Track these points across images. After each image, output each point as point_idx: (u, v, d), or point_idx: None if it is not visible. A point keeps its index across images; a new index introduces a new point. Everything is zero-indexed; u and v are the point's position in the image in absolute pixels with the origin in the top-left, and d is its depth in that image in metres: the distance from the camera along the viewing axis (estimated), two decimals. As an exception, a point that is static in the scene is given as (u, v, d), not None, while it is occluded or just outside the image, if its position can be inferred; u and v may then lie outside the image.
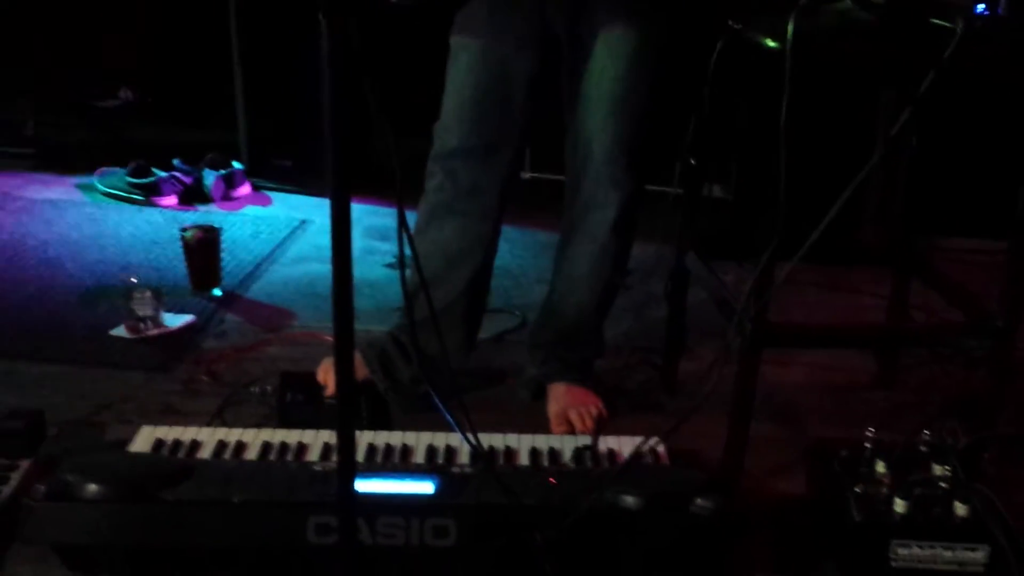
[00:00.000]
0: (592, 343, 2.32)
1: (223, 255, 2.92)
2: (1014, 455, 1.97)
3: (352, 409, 1.40)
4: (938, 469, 1.79)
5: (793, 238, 1.82)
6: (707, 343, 2.39)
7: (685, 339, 2.38)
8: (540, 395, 2.28)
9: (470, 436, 1.61)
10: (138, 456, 1.82)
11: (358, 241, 2.90)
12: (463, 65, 2.10)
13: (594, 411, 2.21)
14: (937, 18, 1.82)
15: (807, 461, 1.95)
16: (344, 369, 1.38)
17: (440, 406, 1.55)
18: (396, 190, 1.50)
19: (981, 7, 1.86)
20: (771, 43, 1.81)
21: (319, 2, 1.33)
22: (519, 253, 3.14)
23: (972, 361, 2.30)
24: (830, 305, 2.86)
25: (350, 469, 1.39)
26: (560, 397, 2.23)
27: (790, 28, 1.74)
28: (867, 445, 1.83)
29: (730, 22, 1.98)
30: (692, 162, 2.18)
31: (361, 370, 2.24)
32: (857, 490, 1.76)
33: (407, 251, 1.48)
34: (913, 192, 2.33)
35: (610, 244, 2.17)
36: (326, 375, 2.17)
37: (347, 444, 1.39)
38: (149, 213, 3.39)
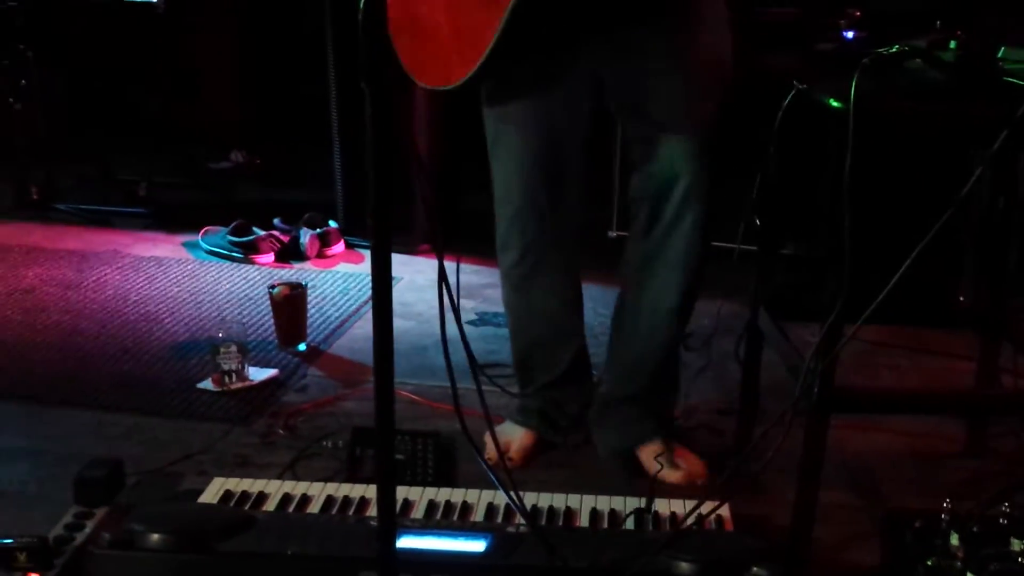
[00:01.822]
0: (675, 382, 2.28)
1: (311, 311, 3.01)
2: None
3: (392, 465, 1.42)
4: (1016, 544, 1.70)
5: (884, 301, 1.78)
6: (784, 405, 2.34)
7: (758, 401, 2.33)
8: (629, 462, 2.22)
9: (514, 495, 1.60)
10: (204, 507, 1.88)
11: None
12: (511, 140, 2.12)
13: (699, 467, 2.19)
14: (1012, 76, 1.77)
15: (881, 531, 1.88)
16: (384, 423, 1.41)
17: (486, 467, 1.55)
18: (437, 246, 1.54)
19: (1060, 63, 1.80)
20: (835, 103, 1.79)
21: (360, 73, 1.40)
22: (601, 311, 3.13)
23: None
24: (923, 369, 2.77)
25: (390, 525, 1.41)
26: (663, 455, 2.18)
27: (852, 88, 1.72)
28: (943, 516, 1.76)
29: (795, 82, 1.96)
30: (757, 221, 2.16)
31: (527, 436, 2.31)
32: (929, 563, 1.70)
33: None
34: (1002, 253, 2.25)
35: (698, 270, 2.13)
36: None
37: (388, 500, 1.41)
38: (246, 270, 3.51)
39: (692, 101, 2.03)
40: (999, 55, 1.81)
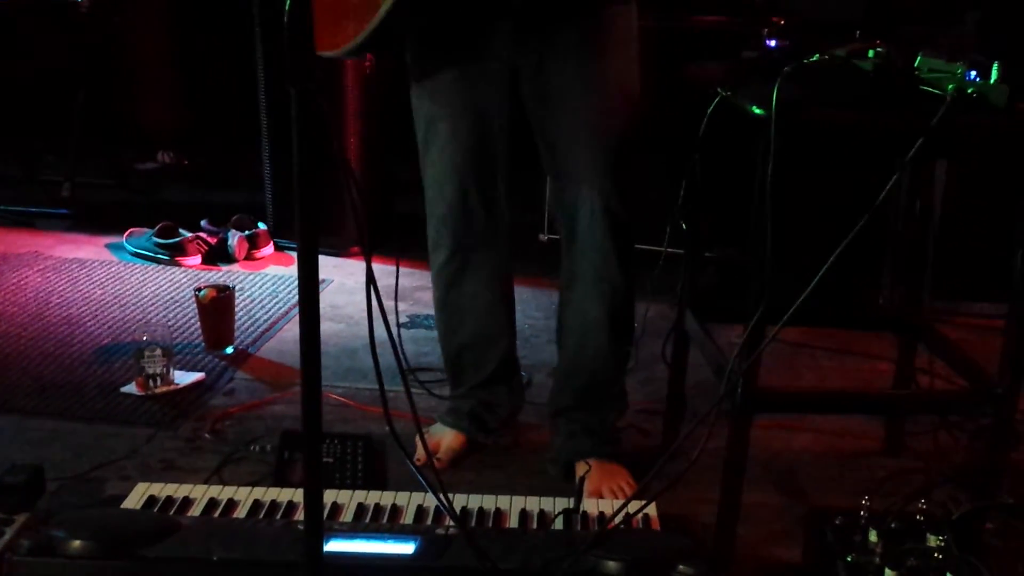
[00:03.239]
0: (615, 399, 2.27)
1: (239, 314, 2.98)
2: (1017, 526, 1.92)
3: (320, 468, 1.41)
4: (932, 540, 1.75)
5: (807, 303, 1.82)
6: (710, 405, 2.37)
7: (685, 401, 2.36)
8: (570, 473, 2.22)
9: (443, 497, 1.61)
10: (126, 513, 1.85)
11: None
12: (441, 139, 2.13)
13: (626, 487, 2.16)
14: (927, 85, 1.83)
15: (803, 529, 1.93)
16: (312, 426, 1.40)
17: (414, 470, 1.55)
18: (366, 248, 1.54)
19: (973, 74, 1.86)
20: (757, 110, 1.83)
21: (286, 76, 1.39)
22: (531, 313, 3.16)
23: (980, 429, 2.26)
24: (843, 370, 2.84)
25: (317, 529, 1.40)
26: (591, 476, 2.17)
27: (775, 95, 1.76)
28: (863, 513, 1.81)
29: (719, 88, 1.99)
30: (683, 226, 2.19)
31: (456, 438, 2.32)
32: (848, 559, 1.74)
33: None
34: (919, 258, 2.31)
35: (617, 281, 2.12)
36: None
37: (315, 504, 1.40)
38: (172, 273, 3.46)
39: (597, 124, 2.04)
40: (916, 64, 1.86)
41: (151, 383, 2.55)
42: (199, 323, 2.86)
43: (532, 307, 3.19)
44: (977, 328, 2.89)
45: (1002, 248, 2.52)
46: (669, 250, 2.26)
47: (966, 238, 2.94)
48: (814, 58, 1.89)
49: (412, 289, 3.25)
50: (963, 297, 3.03)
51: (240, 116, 3.94)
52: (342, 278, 3.43)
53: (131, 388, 2.56)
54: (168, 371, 2.58)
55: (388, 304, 3.05)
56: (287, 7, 1.43)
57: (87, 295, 3.22)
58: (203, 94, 4.65)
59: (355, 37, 1.97)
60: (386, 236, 3.31)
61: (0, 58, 4.42)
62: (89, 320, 3.03)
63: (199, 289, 2.85)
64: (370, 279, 1.58)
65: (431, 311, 2.40)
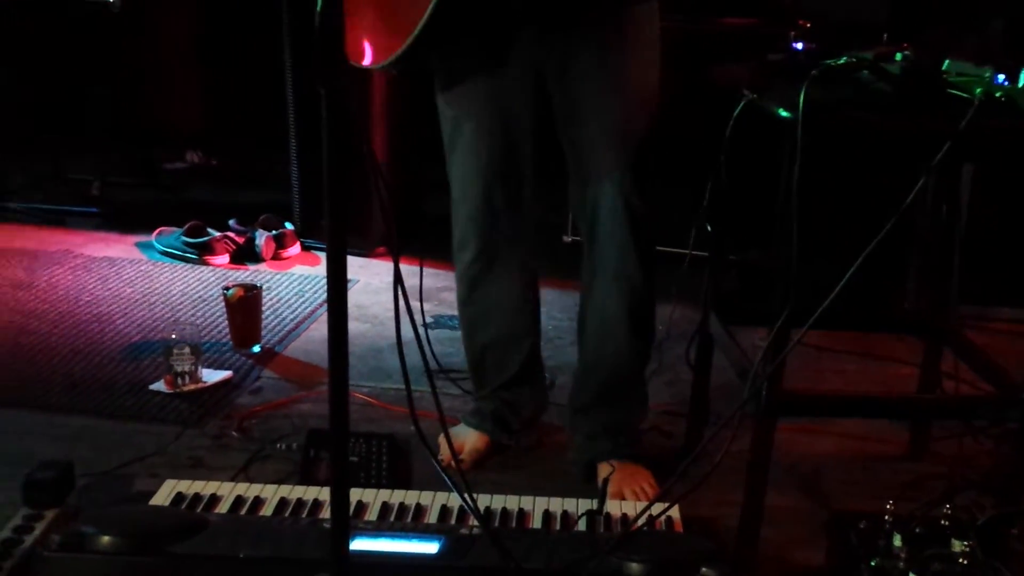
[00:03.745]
0: (636, 398, 2.27)
1: (266, 313, 3.00)
2: (1042, 532, 1.91)
3: (346, 467, 1.43)
4: (957, 545, 1.75)
5: (831, 306, 1.82)
6: (734, 408, 2.37)
7: (708, 404, 2.36)
8: (591, 474, 2.23)
9: (467, 497, 1.62)
10: (155, 509, 1.87)
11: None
12: (468, 139, 2.14)
13: (648, 489, 2.17)
14: (955, 89, 1.82)
15: (826, 532, 1.92)
16: (338, 425, 1.42)
17: (439, 468, 1.57)
18: (394, 249, 1.55)
19: (1001, 78, 1.85)
20: (784, 113, 1.83)
21: (315, 76, 1.41)
22: (556, 315, 3.16)
23: (1005, 434, 2.25)
24: (868, 374, 2.83)
25: (343, 528, 1.41)
26: (613, 478, 2.16)
27: (802, 98, 1.76)
28: (887, 518, 1.80)
29: (745, 91, 1.99)
30: (708, 228, 2.19)
31: (480, 439, 2.33)
32: (872, 564, 1.73)
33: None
34: (945, 262, 2.30)
35: (637, 278, 2.12)
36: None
37: (341, 502, 1.42)
38: (200, 271, 3.49)
39: (619, 123, 2.05)
40: (943, 68, 1.86)
41: (179, 381, 2.58)
42: (227, 322, 2.89)
43: (556, 308, 3.20)
44: (1005, 333, 2.88)
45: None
46: (694, 253, 2.27)
47: (993, 242, 2.93)
48: (841, 61, 1.89)
49: (437, 290, 3.27)
50: (990, 301, 3.01)
51: (268, 116, 3.97)
52: (368, 278, 3.46)
53: (160, 386, 2.59)
54: (196, 369, 2.60)
55: (413, 304, 3.08)
56: (318, 8, 1.45)
57: (117, 293, 3.26)
58: (231, 94, 4.69)
59: (390, 55, 2.02)
60: (412, 236, 3.32)
61: (31, 56, 4.49)
62: (119, 318, 3.06)
63: (227, 288, 2.88)
64: (398, 279, 1.60)
65: (455, 312, 2.41)
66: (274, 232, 3.68)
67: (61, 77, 4.45)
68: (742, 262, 3.25)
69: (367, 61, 2.10)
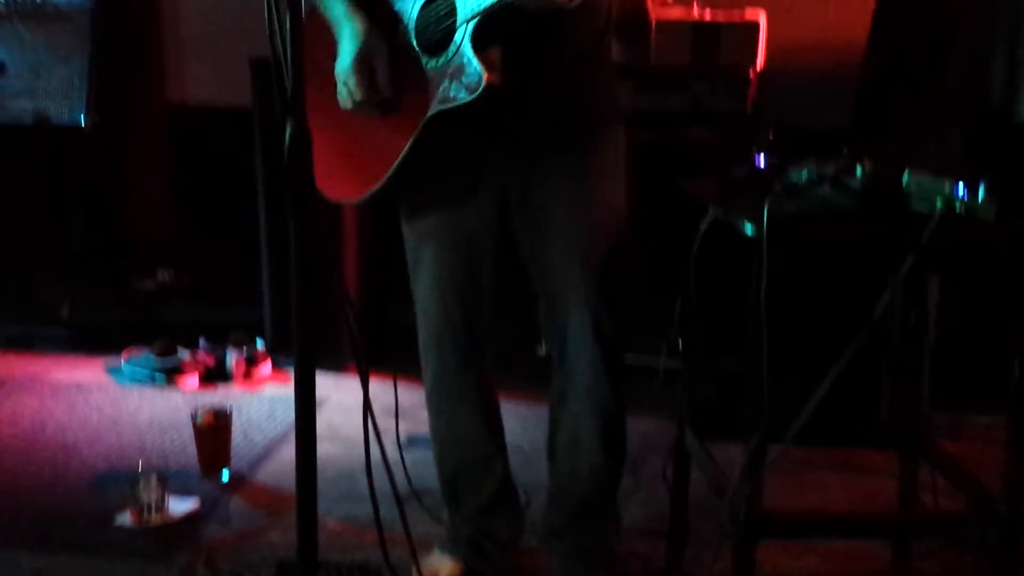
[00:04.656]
0: (609, 514, 2.24)
1: (236, 436, 2.95)
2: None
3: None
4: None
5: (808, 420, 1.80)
6: (714, 525, 2.33)
7: (687, 523, 2.32)
8: None
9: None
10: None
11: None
12: (429, 258, 2.16)
13: None
14: (916, 201, 1.84)
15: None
16: (307, 559, 1.38)
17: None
18: (363, 377, 1.54)
19: (961, 190, 1.87)
20: (749, 229, 1.83)
21: (287, 198, 1.42)
22: (530, 429, 3.12)
23: (986, 547, 2.21)
24: (848, 488, 2.78)
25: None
26: None
27: (765, 214, 1.76)
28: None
29: (711, 206, 2.01)
30: (679, 341, 2.18)
31: (454, 568, 2.27)
32: None
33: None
34: (916, 372, 2.29)
35: (607, 396, 2.11)
36: None
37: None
38: (170, 395, 3.44)
39: (584, 243, 2.06)
40: (903, 180, 1.88)
41: (146, 513, 2.51)
42: (196, 448, 2.83)
43: (531, 424, 3.15)
44: (979, 440, 2.85)
45: (1000, 359, 2.52)
46: (667, 364, 2.25)
47: (964, 349, 2.93)
48: (803, 176, 1.91)
49: (413, 407, 3.20)
50: (963, 408, 3.00)
51: (240, 231, 3.97)
52: (340, 396, 3.41)
53: (126, 519, 2.52)
54: (163, 499, 2.54)
55: (387, 424, 3.05)
56: (287, 142, 1.47)
57: (84, 420, 3.20)
58: (204, 211, 4.69)
59: (360, 195, 2.12)
60: (386, 350, 3.30)
61: (2, 178, 4.49)
62: (84, 447, 3.00)
63: (195, 413, 2.83)
64: (367, 407, 1.58)
65: (431, 431, 2.37)
66: (245, 351, 3.64)
67: (33, 198, 4.45)
68: (718, 370, 3.23)
69: (338, 197, 2.13)
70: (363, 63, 1.99)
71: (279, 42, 1.43)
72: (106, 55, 3.87)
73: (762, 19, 3.31)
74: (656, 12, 3.33)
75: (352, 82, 2.00)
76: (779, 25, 3.44)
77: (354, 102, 2.02)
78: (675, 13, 3.35)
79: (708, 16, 3.33)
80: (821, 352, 2.04)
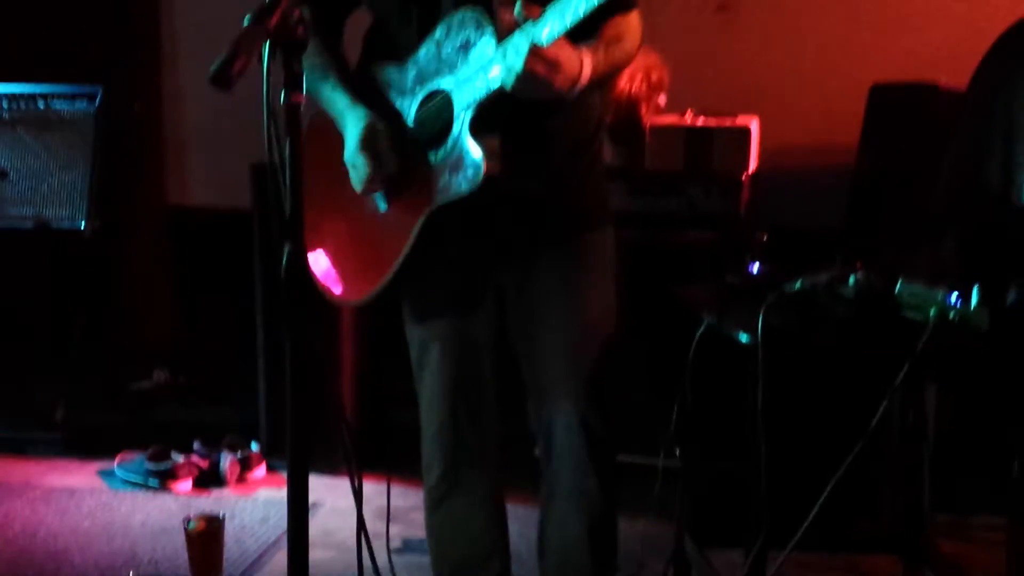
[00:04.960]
0: None
1: (229, 543, 2.90)
2: None
3: None
4: None
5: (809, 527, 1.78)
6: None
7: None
8: None
9: None
10: None
11: (368, 523, 2.86)
12: (434, 358, 2.17)
13: None
14: (909, 310, 1.85)
15: None
16: None
17: None
18: (355, 488, 1.53)
19: (954, 297, 1.88)
20: (744, 338, 1.84)
21: (282, 311, 1.43)
22: (527, 533, 3.07)
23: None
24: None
25: None
26: None
27: (760, 324, 1.78)
28: None
29: (705, 314, 2.02)
30: (676, 451, 2.17)
31: None
32: None
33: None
34: (916, 473, 2.28)
35: (595, 495, 2.09)
36: None
37: None
38: (163, 499, 3.40)
39: (573, 341, 2.08)
40: (896, 289, 1.89)
41: (135, 624, 2.46)
42: (187, 555, 2.78)
43: (529, 526, 3.10)
44: (980, 541, 2.81)
45: (1000, 460, 2.50)
46: (666, 464, 2.23)
47: (962, 451, 2.91)
48: (796, 286, 1.93)
49: (406, 509, 3.19)
50: (964, 509, 2.97)
51: (236, 332, 3.98)
52: (335, 500, 3.37)
53: (114, 630, 2.48)
54: (153, 611, 2.49)
55: (379, 529, 3.02)
56: (284, 262, 1.48)
57: (75, 526, 3.15)
58: (200, 312, 4.71)
59: (363, 296, 2.15)
60: (380, 452, 3.27)
61: (1, 283, 4.51)
62: (76, 554, 2.95)
63: (188, 520, 2.79)
64: (360, 526, 1.57)
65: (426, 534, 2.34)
66: (239, 454, 3.61)
67: (31, 302, 4.46)
68: (716, 472, 3.21)
69: (340, 299, 2.15)
70: (368, 142, 2.03)
71: (277, 161, 1.46)
72: (108, 160, 3.92)
73: (754, 125, 3.37)
74: (649, 118, 3.40)
75: (360, 161, 2.04)
76: (771, 128, 3.50)
77: (364, 182, 2.06)
78: (668, 119, 3.42)
79: (701, 122, 3.39)
80: (821, 455, 2.03)
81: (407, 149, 2.05)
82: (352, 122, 2.06)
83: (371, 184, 2.06)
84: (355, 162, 2.06)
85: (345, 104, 2.09)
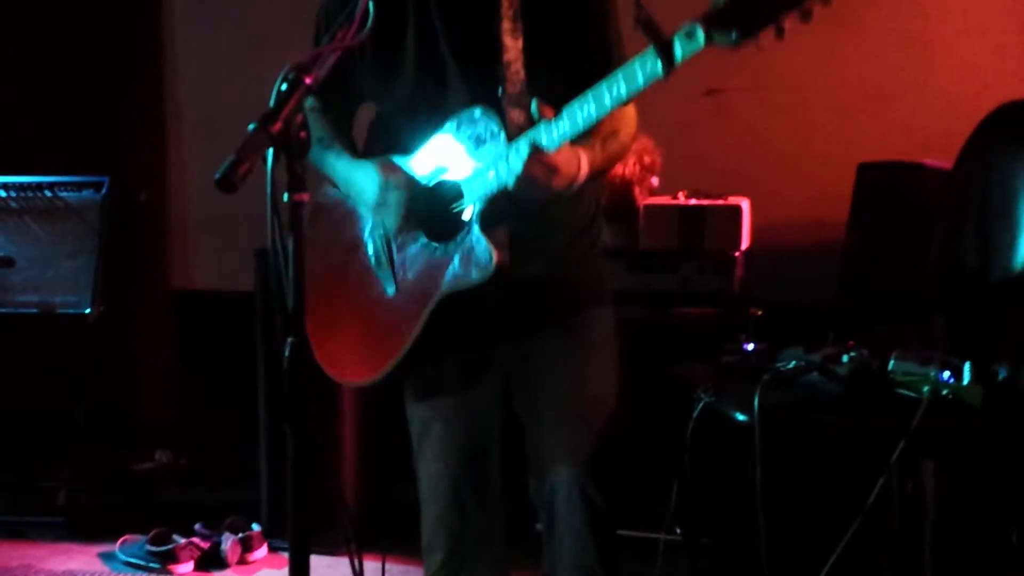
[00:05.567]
0: None
1: (232, 628, 2.90)
2: None
3: None
4: None
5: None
6: None
7: None
8: None
9: None
10: None
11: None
12: (437, 439, 2.19)
13: None
14: (903, 388, 1.90)
15: None
16: None
17: None
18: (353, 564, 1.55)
19: (946, 375, 1.93)
20: (741, 417, 1.89)
21: (283, 411, 1.47)
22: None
23: None
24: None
25: None
26: None
27: (756, 404, 1.82)
28: None
29: (702, 393, 2.06)
30: (677, 531, 2.20)
31: None
32: None
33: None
34: (917, 548, 2.30)
35: (596, 569, 2.08)
36: None
37: None
38: (164, 583, 3.39)
39: (575, 415, 2.10)
40: (890, 367, 1.94)
41: None
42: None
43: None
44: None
45: (1000, 529, 2.52)
46: (668, 538, 2.25)
47: (963, 524, 2.92)
48: (791, 364, 1.98)
49: (406, 589, 3.18)
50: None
51: (238, 412, 3.99)
52: (336, 581, 3.36)
53: None
54: None
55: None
56: (287, 353, 1.52)
57: (76, 612, 3.15)
58: (203, 392, 4.73)
59: (370, 377, 2.17)
60: (380, 529, 3.27)
61: (4, 366, 4.53)
62: (75, 642, 2.95)
63: (190, 606, 2.79)
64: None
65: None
66: (240, 535, 3.61)
67: (34, 386, 4.48)
68: (718, 546, 3.21)
69: (345, 380, 2.18)
70: (390, 177, 2.07)
71: (281, 259, 1.50)
72: (113, 247, 3.96)
73: (745, 204, 3.45)
74: (643, 199, 3.48)
75: (391, 198, 2.07)
76: (762, 207, 3.58)
77: (401, 216, 2.08)
78: (661, 199, 3.50)
79: (693, 202, 3.47)
80: (821, 530, 2.06)
81: (414, 241, 2.10)
82: (364, 171, 2.11)
83: (407, 218, 2.08)
84: (385, 199, 2.08)
85: (351, 163, 2.14)
